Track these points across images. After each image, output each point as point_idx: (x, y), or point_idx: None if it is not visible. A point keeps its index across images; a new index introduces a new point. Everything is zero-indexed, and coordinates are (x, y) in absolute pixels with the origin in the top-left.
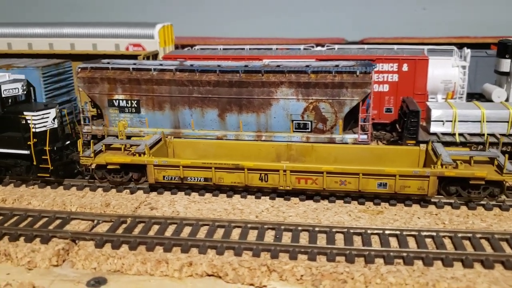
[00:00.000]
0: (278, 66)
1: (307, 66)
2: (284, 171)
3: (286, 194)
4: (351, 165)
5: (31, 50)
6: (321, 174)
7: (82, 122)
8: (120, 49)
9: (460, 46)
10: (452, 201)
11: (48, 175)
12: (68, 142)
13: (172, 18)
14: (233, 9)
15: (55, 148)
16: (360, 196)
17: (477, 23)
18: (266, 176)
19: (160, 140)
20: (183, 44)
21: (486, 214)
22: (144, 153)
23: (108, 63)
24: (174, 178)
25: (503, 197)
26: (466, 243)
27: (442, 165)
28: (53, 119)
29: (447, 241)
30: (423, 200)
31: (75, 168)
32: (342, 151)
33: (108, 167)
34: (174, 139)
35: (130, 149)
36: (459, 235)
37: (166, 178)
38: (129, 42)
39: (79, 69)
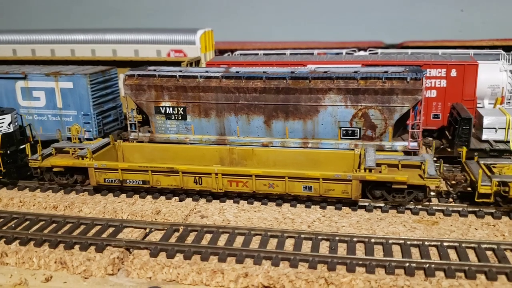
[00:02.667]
0: (326, 72)
1: (356, 72)
2: (216, 174)
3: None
4: (284, 169)
5: (75, 57)
6: (250, 177)
7: (128, 129)
8: (162, 55)
9: (504, 48)
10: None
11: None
12: (23, 146)
13: (208, 23)
14: (269, 14)
15: (8, 152)
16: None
17: None
18: (200, 179)
19: (108, 143)
20: (220, 49)
21: None
22: (86, 157)
23: (155, 70)
24: (114, 180)
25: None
26: None
27: (365, 169)
28: (9, 124)
29: (509, 254)
30: (478, 211)
31: (28, 171)
32: (281, 155)
33: (53, 169)
34: (122, 143)
35: (75, 152)
36: None
37: (107, 180)
38: (171, 48)
39: (126, 76)
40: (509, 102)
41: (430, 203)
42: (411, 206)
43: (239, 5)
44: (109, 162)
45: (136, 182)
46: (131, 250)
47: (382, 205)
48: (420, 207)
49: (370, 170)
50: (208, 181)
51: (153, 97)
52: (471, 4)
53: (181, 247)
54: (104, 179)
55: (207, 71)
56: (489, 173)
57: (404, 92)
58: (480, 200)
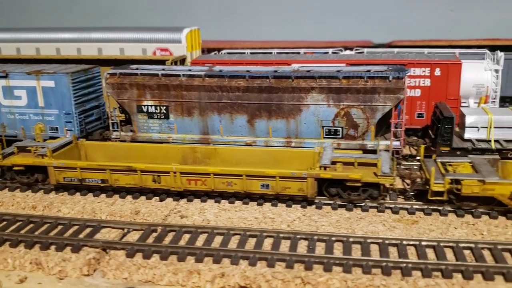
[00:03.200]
0: (309, 71)
1: (338, 71)
2: (175, 172)
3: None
4: (246, 167)
5: (59, 56)
6: (209, 176)
7: (110, 128)
8: (147, 54)
9: (491, 48)
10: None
11: None
12: None
13: (197, 22)
14: (258, 13)
15: None
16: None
17: (507, 24)
18: (158, 177)
19: (71, 142)
20: (209, 47)
21: None
22: (46, 155)
23: (137, 68)
24: (74, 179)
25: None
26: (507, 255)
27: (320, 167)
28: None
29: (486, 253)
30: (458, 209)
31: None
32: (244, 154)
33: (14, 168)
34: (85, 142)
35: (37, 151)
36: (499, 247)
37: (66, 179)
38: (157, 47)
39: (108, 75)
40: (493, 101)
41: (385, 200)
42: (392, 205)
43: (230, 4)
44: (68, 161)
45: (95, 180)
46: (107, 250)
47: (363, 204)
48: (400, 206)
49: (325, 168)
50: (166, 179)
51: (135, 95)
52: (460, 4)
53: (158, 248)
54: (64, 178)
55: (190, 70)
56: (443, 171)
57: (386, 91)
58: (434, 198)
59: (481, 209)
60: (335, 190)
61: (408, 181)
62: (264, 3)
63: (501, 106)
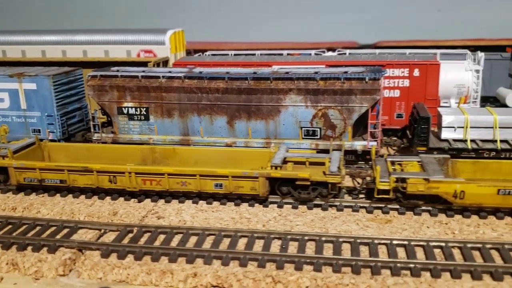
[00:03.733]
0: (287, 73)
1: (316, 72)
2: (130, 173)
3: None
4: (200, 167)
5: (44, 58)
6: (163, 176)
7: (92, 130)
8: (132, 56)
9: (476, 48)
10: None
11: None
12: None
13: (185, 24)
14: (245, 14)
15: None
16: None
17: (493, 25)
18: (114, 178)
19: (34, 143)
20: (196, 49)
21: (498, 223)
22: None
23: (118, 70)
24: (33, 180)
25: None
26: (476, 253)
27: (271, 166)
28: None
29: (456, 252)
30: (432, 209)
31: None
32: (202, 154)
33: None
34: (48, 143)
35: None
36: (469, 245)
37: (27, 180)
38: (141, 49)
39: (89, 77)
40: (474, 101)
41: (336, 198)
42: (366, 205)
43: (217, 6)
44: (27, 162)
45: (53, 181)
46: (83, 251)
47: (338, 203)
48: (375, 205)
49: (276, 168)
50: (122, 180)
51: (115, 97)
52: (448, 5)
53: (132, 248)
54: (24, 178)
55: (170, 72)
56: (391, 170)
57: (363, 92)
58: (380, 196)
59: (426, 207)
60: (286, 189)
61: (359, 179)
62: (252, 4)
63: (482, 106)
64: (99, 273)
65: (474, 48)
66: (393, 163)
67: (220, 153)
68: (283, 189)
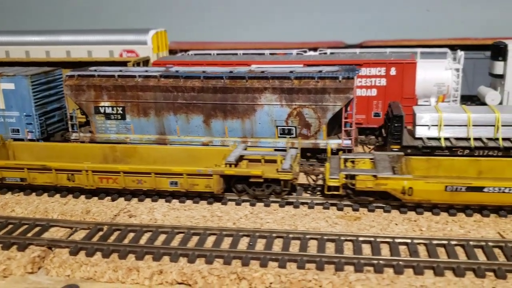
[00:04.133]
0: (263, 72)
1: (291, 72)
2: (87, 171)
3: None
4: (162, 165)
5: (25, 58)
6: (119, 174)
7: (70, 129)
8: (114, 56)
9: (461, 47)
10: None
11: None
12: None
13: (172, 24)
14: (233, 15)
15: None
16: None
17: (479, 24)
18: (72, 176)
19: None
20: (182, 49)
21: (466, 220)
22: None
23: (95, 70)
24: None
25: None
26: (441, 250)
27: (226, 164)
28: None
29: (422, 248)
30: (402, 206)
31: None
32: (162, 152)
33: None
34: (12, 142)
35: None
36: (434, 242)
37: None
38: (123, 49)
39: (67, 77)
40: (455, 100)
41: (291, 195)
42: (337, 202)
43: (205, 6)
44: None
45: (14, 179)
46: (52, 248)
47: (309, 201)
48: (345, 203)
49: (230, 165)
50: (80, 178)
51: (92, 97)
52: (436, 4)
53: (101, 246)
54: None
55: (146, 71)
56: (343, 167)
57: (336, 91)
58: (330, 193)
59: (376, 203)
60: (241, 186)
61: (313, 176)
62: (239, 5)
63: (464, 104)
64: (67, 270)
65: (459, 48)
66: (346, 160)
67: (179, 151)
68: (238, 186)
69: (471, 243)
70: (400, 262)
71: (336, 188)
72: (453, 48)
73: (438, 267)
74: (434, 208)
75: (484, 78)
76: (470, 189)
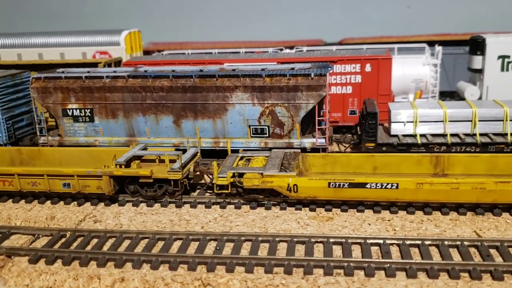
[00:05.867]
0: (234, 70)
1: (263, 69)
2: None
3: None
4: (67, 167)
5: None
6: (14, 176)
7: (38, 133)
8: (88, 57)
9: (442, 43)
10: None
11: None
12: None
13: (149, 25)
14: (210, 14)
15: None
16: (311, 203)
17: (459, 20)
18: None
19: None
20: (159, 50)
21: (442, 219)
22: None
23: (63, 72)
24: None
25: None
26: (415, 251)
27: (116, 165)
28: None
29: (394, 249)
30: (376, 205)
31: None
32: (66, 154)
33: None
34: None
35: None
36: (407, 242)
37: None
38: (96, 50)
39: (33, 79)
40: (433, 96)
41: (188, 195)
42: (307, 202)
43: (183, 6)
44: None
45: None
46: (12, 257)
47: (280, 201)
48: (319, 202)
49: (120, 166)
50: None
51: (59, 99)
52: (416, 1)
53: (61, 253)
54: None
55: (115, 71)
56: (235, 165)
57: (308, 88)
58: (219, 191)
59: (265, 201)
60: (133, 187)
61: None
62: (218, 5)
63: (443, 100)
64: (26, 279)
65: (439, 44)
66: (242, 158)
67: (82, 152)
68: (130, 187)
69: (446, 242)
70: (371, 264)
71: (226, 187)
72: (433, 44)
73: (410, 268)
74: (408, 206)
75: (464, 73)
76: (353, 185)
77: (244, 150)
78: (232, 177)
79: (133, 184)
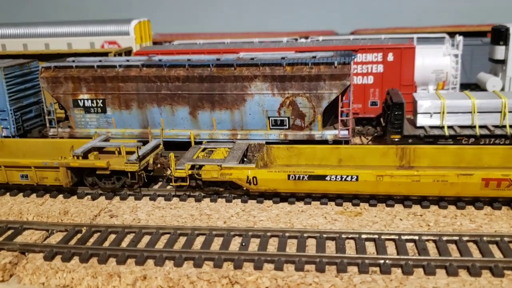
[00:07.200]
0: (252, 59)
1: (283, 58)
2: None
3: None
4: (31, 159)
5: (0, 52)
6: None
7: (47, 125)
8: (96, 47)
9: (453, 35)
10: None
11: None
12: None
13: (156, 16)
14: (220, 5)
15: None
16: (338, 197)
17: (472, 11)
18: None
19: None
20: (167, 41)
21: (476, 213)
22: None
23: (73, 61)
24: None
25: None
26: (452, 247)
27: (73, 156)
28: None
29: (430, 245)
30: (406, 199)
31: None
32: (28, 145)
33: None
34: None
35: None
36: (444, 238)
37: None
38: (104, 40)
39: (43, 69)
40: (454, 88)
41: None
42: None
43: None
44: None
45: None
46: (26, 254)
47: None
48: (346, 196)
49: (78, 157)
50: None
51: (70, 89)
52: None
53: (78, 250)
54: None
55: (128, 60)
56: (196, 157)
57: (332, 77)
58: (177, 184)
59: (225, 194)
60: (91, 179)
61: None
62: None
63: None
64: (42, 277)
65: (454, 35)
66: (204, 150)
67: (46, 144)
68: (89, 179)
69: (484, 238)
70: (409, 262)
71: (185, 179)
72: (449, 35)
73: (451, 266)
74: (440, 201)
75: (483, 65)
76: (312, 177)
77: (208, 141)
78: (191, 169)
79: (91, 176)
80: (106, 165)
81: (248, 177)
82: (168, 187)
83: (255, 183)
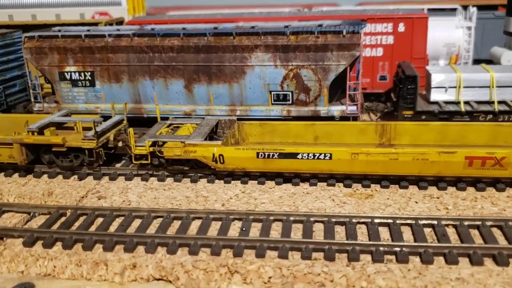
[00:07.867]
0: (253, 27)
1: (286, 26)
2: None
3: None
4: None
5: None
6: None
7: (32, 100)
8: (86, 18)
9: (465, 8)
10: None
11: None
12: None
13: None
14: None
15: None
16: (346, 178)
17: None
18: None
19: None
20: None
21: (498, 195)
22: None
23: (59, 30)
24: None
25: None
26: (475, 233)
27: (28, 132)
28: None
29: (450, 231)
30: (421, 181)
31: None
32: None
33: None
34: None
35: None
36: (466, 223)
37: None
38: (95, 11)
39: (26, 39)
40: (466, 63)
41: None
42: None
43: None
44: None
45: None
46: (4, 239)
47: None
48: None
49: (33, 133)
50: None
51: (56, 61)
52: None
53: (61, 235)
54: None
55: (118, 30)
56: (160, 133)
57: (340, 47)
58: (138, 162)
59: (191, 173)
60: (48, 157)
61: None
62: None
63: None
64: (20, 265)
65: (464, 8)
66: (170, 125)
67: (4, 119)
68: (45, 157)
69: (510, 223)
70: (429, 249)
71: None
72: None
73: (475, 254)
74: (459, 182)
75: (495, 39)
76: (283, 155)
77: (174, 117)
78: (152, 146)
79: (48, 153)
80: (62, 142)
81: (214, 155)
82: (131, 165)
83: (221, 161)
